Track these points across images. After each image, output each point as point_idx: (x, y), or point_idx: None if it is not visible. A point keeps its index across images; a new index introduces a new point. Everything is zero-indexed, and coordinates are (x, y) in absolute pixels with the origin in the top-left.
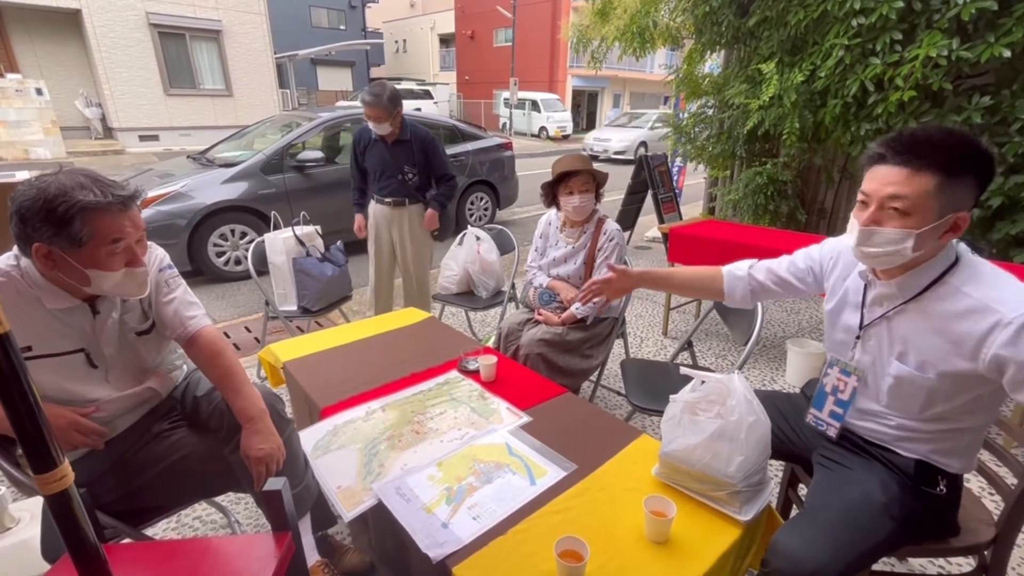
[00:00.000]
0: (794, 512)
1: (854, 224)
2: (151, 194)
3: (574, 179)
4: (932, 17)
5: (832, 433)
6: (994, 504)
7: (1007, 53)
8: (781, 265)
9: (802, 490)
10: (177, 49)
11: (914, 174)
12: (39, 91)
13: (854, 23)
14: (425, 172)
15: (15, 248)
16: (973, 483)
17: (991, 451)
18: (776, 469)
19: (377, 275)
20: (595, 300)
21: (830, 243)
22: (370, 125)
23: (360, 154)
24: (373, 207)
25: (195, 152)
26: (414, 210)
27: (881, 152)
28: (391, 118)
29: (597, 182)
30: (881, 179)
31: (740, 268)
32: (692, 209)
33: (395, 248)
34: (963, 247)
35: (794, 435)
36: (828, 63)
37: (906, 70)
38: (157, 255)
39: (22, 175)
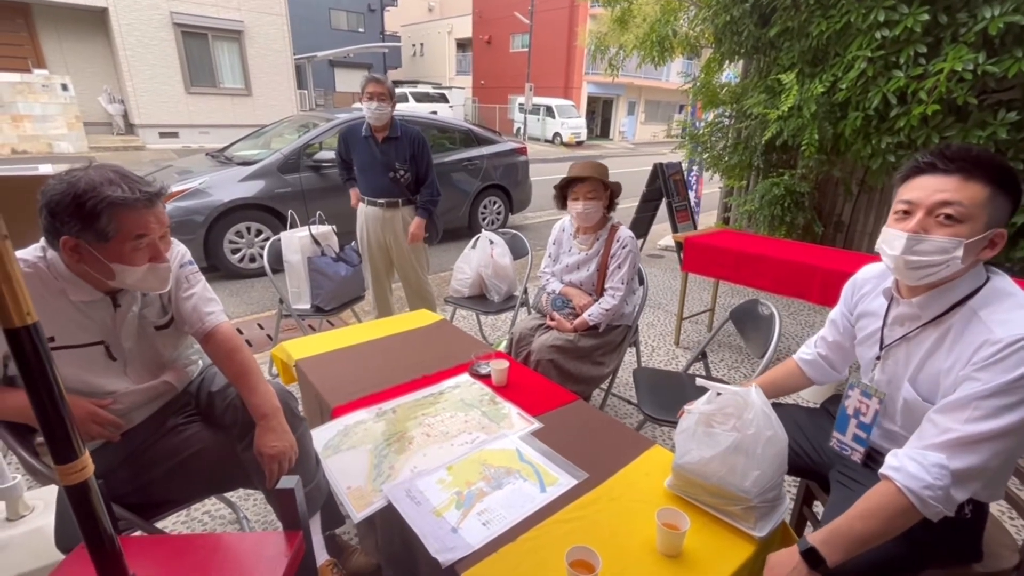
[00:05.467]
0: (808, 530)
1: (893, 235)
2: (170, 190)
3: (580, 186)
4: (958, 30)
5: (857, 458)
6: (1015, 529)
7: None
8: (828, 332)
9: (817, 507)
10: (199, 48)
11: (965, 182)
12: (64, 87)
13: (878, 35)
14: (415, 171)
15: (42, 240)
16: (993, 506)
17: (1015, 474)
18: (790, 485)
19: (375, 280)
20: None
21: (847, 284)
22: (370, 109)
23: (345, 152)
24: (364, 210)
25: (214, 150)
26: (407, 212)
27: (930, 161)
28: (392, 101)
29: (611, 191)
30: (929, 187)
31: (808, 355)
32: (706, 218)
33: (390, 252)
34: (995, 270)
35: (812, 451)
36: (850, 75)
37: (930, 84)
38: (179, 251)
39: (45, 168)
